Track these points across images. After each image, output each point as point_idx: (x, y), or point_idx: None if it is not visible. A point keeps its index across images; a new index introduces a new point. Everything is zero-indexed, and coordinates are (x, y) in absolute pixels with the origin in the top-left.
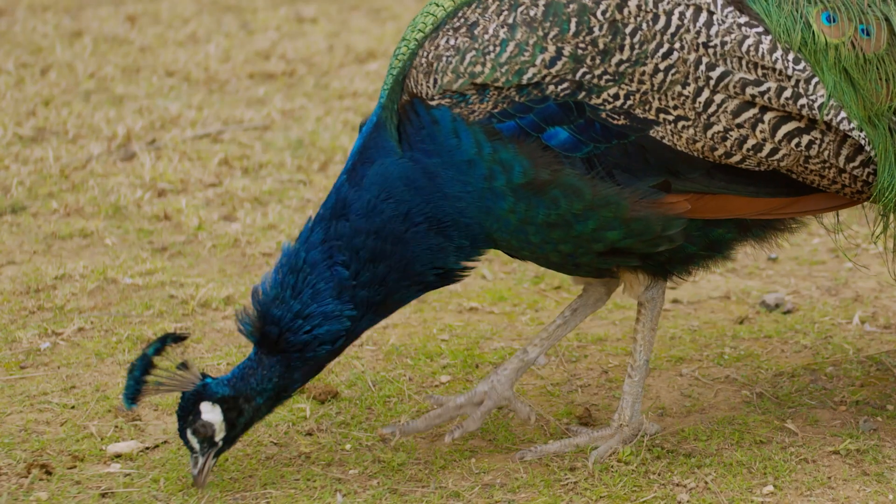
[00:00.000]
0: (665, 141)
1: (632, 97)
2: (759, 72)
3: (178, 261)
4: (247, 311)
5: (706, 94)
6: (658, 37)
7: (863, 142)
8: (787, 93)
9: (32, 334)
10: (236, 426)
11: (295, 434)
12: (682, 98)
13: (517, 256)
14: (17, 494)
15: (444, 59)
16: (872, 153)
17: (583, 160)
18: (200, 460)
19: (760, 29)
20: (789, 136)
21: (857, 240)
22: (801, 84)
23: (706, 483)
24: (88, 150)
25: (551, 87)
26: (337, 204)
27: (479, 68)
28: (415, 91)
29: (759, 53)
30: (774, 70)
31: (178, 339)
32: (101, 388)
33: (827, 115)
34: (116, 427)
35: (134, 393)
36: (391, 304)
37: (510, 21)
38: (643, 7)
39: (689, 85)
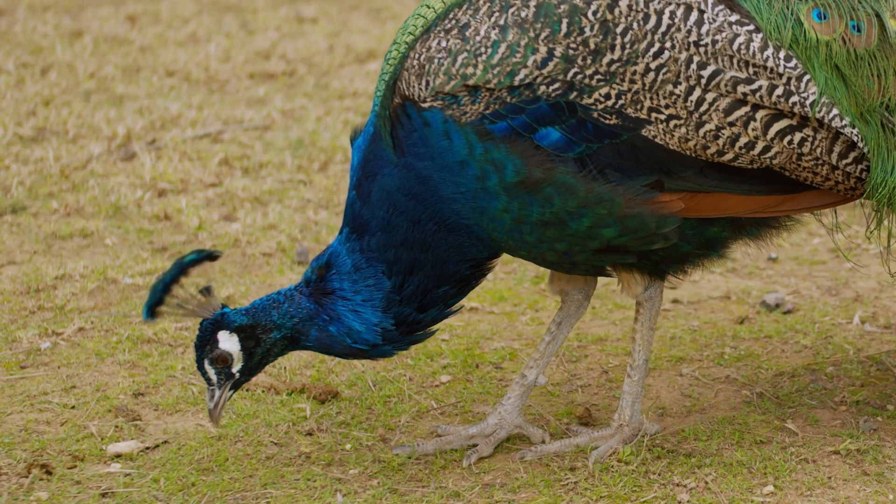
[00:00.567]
0: (657, 140)
1: (623, 97)
2: (751, 70)
3: None
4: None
5: (698, 92)
6: (649, 36)
7: (855, 138)
8: (779, 90)
9: (33, 334)
10: (253, 356)
11: (295, 434)
12: (674, 97)
13: (516, 256)
14: (17, 494)
15: (436, 60)
16: (865, 149)
17: (575, 160)
18: (217, 393)
19: (751, 27)
20: (781, 133)
21: (857, 240)
22: (793, 81)
23: (706, 483)
24: (89, 150)
25: (543, 88)
26: (356, 220)
27: (470, 70)
28: (406, 93)
29: (751, 51)
30: (766, 68)
31: (212, 256)
32: (102, 388)
33: (819, 112)
34: (116, 427)
35: (157, 302)
36: (427, 322)
37: (501, 22)
38: (634, 7)
39: (680, 84)
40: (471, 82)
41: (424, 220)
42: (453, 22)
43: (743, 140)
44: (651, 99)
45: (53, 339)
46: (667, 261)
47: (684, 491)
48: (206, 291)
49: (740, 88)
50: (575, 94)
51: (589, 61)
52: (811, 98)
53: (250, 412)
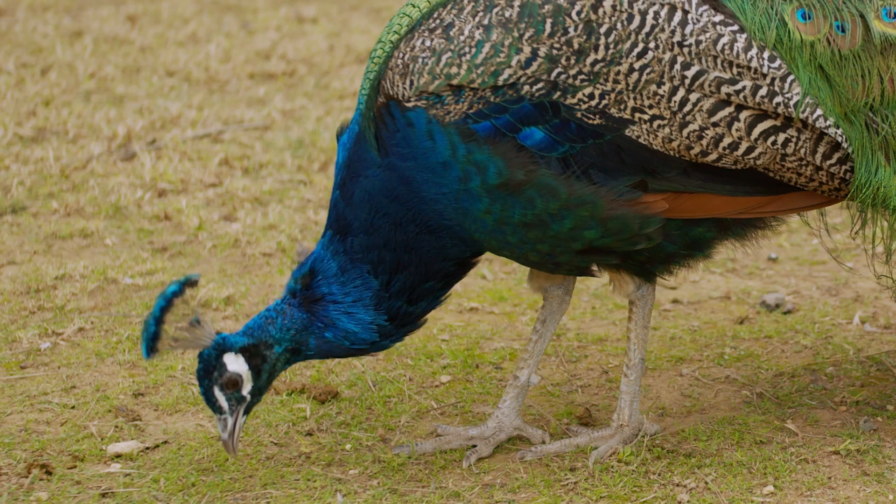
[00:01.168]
0: (641, 140)
1: (607, 97)
2: (735, 70)
3: (178, 261)
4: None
5: (681, 93)
6: (633, 36)
7: (839, 139)
8: (763, 91)
9: (33, 334)
10: (261, 374)
11: (295, 434)
12: (658, 97)
13: (500, 255)
14: (17, 494)
15: (420, 60)
16: (849, 150)
17: (558, 160)
18: (230, 420)
19: (735, 27)
20: (765, 134)
21: (856, 240)
22: (777, 82)
23: (706, 483)
24: (89, 150)
25: (526, 88)
26: (339, 222)
27: (454, 70)
28: (391, 93)
29: (734, 52)
30: (749, 68)
31: (192, 282)
32: (102, 388)
33: (803, 112)
34: (116, 427)
35: (153, 337)
36: (419, 314)
37: (486, 22)
38: (618, 7)
39: (664, 84)
40: (455, 82)
41: (406, 222)
42: (438, 21)
43: (727, 140)
44: (635, 99)
45: (53, 340)
46: (652, 261)
47: (684, 491)
48: (196, 323)
49: (724, 89)
50: (559, 93)
51: (573, 61)
52: (795, 98)
53: (250, 412)
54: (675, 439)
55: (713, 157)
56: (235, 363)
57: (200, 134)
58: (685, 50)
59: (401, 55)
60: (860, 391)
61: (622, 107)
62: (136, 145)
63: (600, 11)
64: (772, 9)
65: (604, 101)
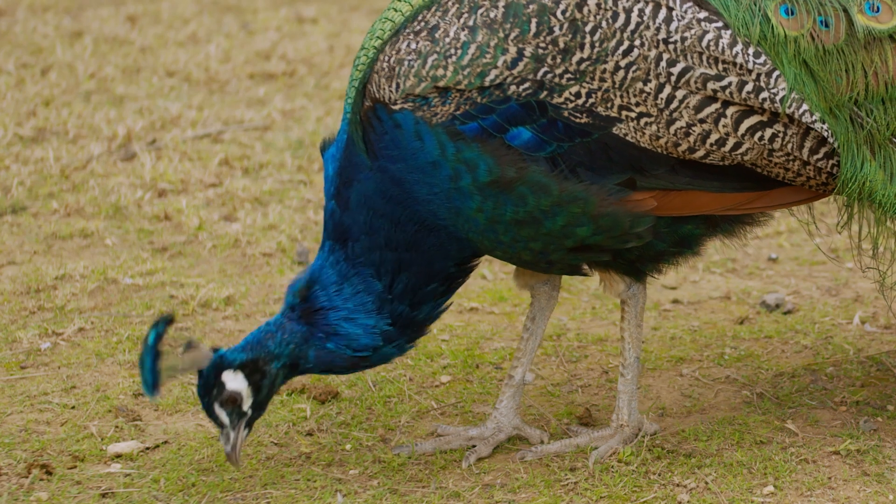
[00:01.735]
0: (628, 138)
1: (594, 95)
2: (720, 67)
3: (178, 261)
4: (300, 276)
5: (668, 90)
6: (618, 34)
7: (825, 133)
8: (749, 87)
9: (33, 334)
10: (261, 390)
11: (295, 434)
12: (644, 95)
13: (493, 255)
14: (17, 494)
15: (406, 63)
16: (835, 144)
17: (546, 159)
18: (232, 434)
19: (720, 24)
20: (752, 129)
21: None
22: (762, 78)
23: (706, 483)
24: (89, 151)
25: (513, 88)
26: (337, 230)
27: (441, 72)
28: (377, 96)
29: (720, 48)
30: (735, 64)
31: (169, 320)
32: (102, 388)
33: (789, 107)
34: (117, 427)
35: (153, 382)
36: (422, 321)
37: (471, 23)
38: (603, 5)
39: (650, 81)
40: (441, 84)
41: (404, 220)
42: (422, 24)
43: (714, 137)
44: (621, 97)
45: (53, 340)
46: (642, 259)
47: (684, 491)
48: (189, 346)
49: (710, 85)
50: (545, 93)
51: (559, 60)
52: (781, 94)
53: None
54: (675, 439)
55: (701, 153)
56: (234, 381)
57: (200, 134)
58: (670, 47)
59: (386, 58)
60: (860, 391)
61: (609, 105)
62: (136, 145)
63: (585, 10)
64: (755, 5)
65: (590, 100)
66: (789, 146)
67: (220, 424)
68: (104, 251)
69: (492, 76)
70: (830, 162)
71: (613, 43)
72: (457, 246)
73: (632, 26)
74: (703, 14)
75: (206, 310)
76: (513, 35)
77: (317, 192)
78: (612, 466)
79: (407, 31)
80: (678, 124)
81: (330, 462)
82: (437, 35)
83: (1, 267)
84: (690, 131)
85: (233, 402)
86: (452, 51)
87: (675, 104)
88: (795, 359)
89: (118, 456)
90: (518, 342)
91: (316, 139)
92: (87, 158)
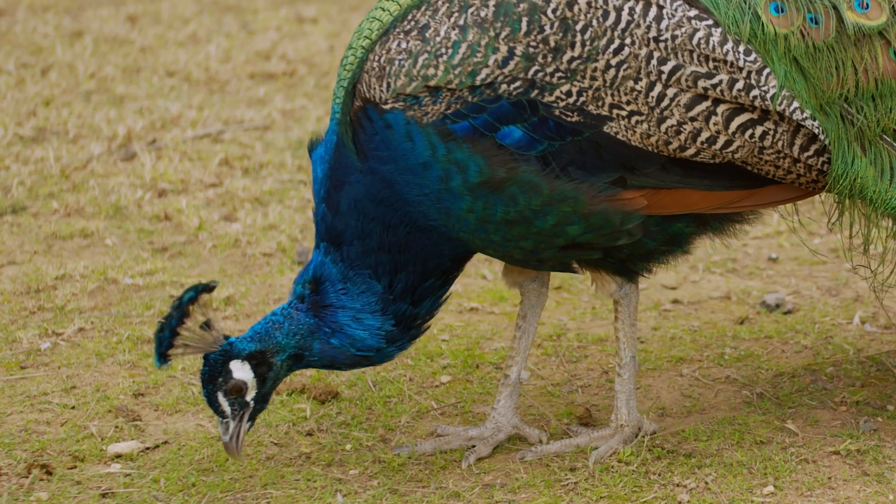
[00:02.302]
0: (619, 136)
1: (584, 94)
2: (711, 64)
3: (178, 261)
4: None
5: (658, 88)
6: (609, 33)
7: (816, 130)
8: (739, 84)
9: (33, 334)
10: (266, 382)
11: (295, 434)
12: (635, 93)
13: (485, 254)
14: (17, 494)
15: (397, 62)
16: (826, 141)
17: (538, 158)
18: (232, 424)
19: (710, 21)
20: (743, 127)
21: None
22: (753, 75)
23: (706, 483)
24: (89, 151)
25: (504, 87)
26: (330, 233)
27: (432, 71)
28: (367, 96)
29: (710, 46)
30: (726, 62)
31: (209, 288)
32: (102, 388)
33: (779, 105)
34: (117, 427)
35: (167, 347)
36: (424, 318)
37: (461, 22)
38: (593, 4)
39: (641, 80)
40: (432, 83)
41: (395, 223)
42: (412, 23)
43: (705, 135)
44: (612, 95)
45: (53, 340)
46: (632, 258)
47: (684, 491)
48: (207, 326)
49: (701, 83)
50: (536, 92)
51: (549, 59)
52: (771, 91)
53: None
54: (675, 439)
55: (691, 151)
56: (241, 371)
57: (200, 134)
58: (661, 45)
59: (376, 58)
60: (860, 391)
61: (600, 103)
62: (137, 145)
63: (575, 9)
64: (745, 2)
65: (581, 99)
66: (780, 143)
67: (221, 414)
68: (104, 251)
69: (483, 75)
70: (821, 159)
71: (604, 41)
72: (449, 245)
73: (622, 25)
74: (693, 12)
75: (206, 310)
76: (503, 34)
77: None
78: (612, 466)
79: (397, 30)
80: (669, 122)
81: (330, 462)
82: (427, 34)
83: (1, 267)
84: (681, 129)
85: (237, 391)
86: (443, 50)
87: (665, 102)
88: (795, 359)
89: (118, 456)
90: (511, 341)
91: None
92: (87, 158)
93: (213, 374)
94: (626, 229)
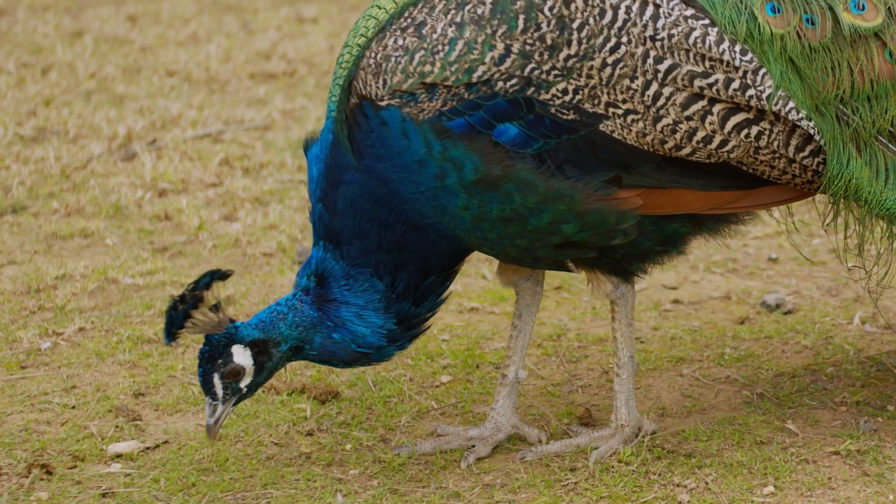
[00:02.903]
0: (615, 135)
1: (581, 92)
2: (707, 64)
3: (178, 261)
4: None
5: (655, 87)
6: (605, 31)
7: (811, 131)
8: (735, 84)
9: (33, 334)
10: (263, 371)
11: (295, 434)
12: (631, 92)
13: (481, 251)
14: (17, 494)
15: (393, 59)
16: (821, 142)
17: (533, 156)
18: (220, 408)
19: (706, 21)
20: (738, 127)
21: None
22: (749, 75)
23: (707, 483)
24: (89, 150)
25: (500, 84)
26: (329, 232)
27: (428, 68)
28: (363, 93)
29: (706, 45)
30: (722, 62)
31: (223, 276)
32: (102, 388)
33: (775, 105)
34: (117, 427)
35: (178, 326)
36: (425, 317)
37: (458, 20)
38: (590, 2)
39: (637, 78)
40: (428, 80)
41: (392, 222)
42: (409, 20)
43: (700, 134)
44: (608, 94)
45: (54, 339)
46: (628, 258)
47: (684, 491)
48: (216, 308)
49: (697, 82)
50: (532, 89)
51: (546, 57)
52: (767, 91)
53: (250, 412)
54: (675, 439)
55: (687, 150)
56: (242, 356)
57: (201, 134)
58: (658, 44)
59: (373, 55)
60: (860, 391)
61: (596, 102)
62: (137, 145)
63: (572, 7)
64: (741, 2)
65: (577, 97)
66: (775, 144)
67: (212, 395)
68: (104, 251)
69: (479, 72)
70: (816, 160)
71: (601, 40)
72: (447, 243)
73: (619, 23)
74: (689, 11)
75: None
76: (500, 31)
77: None
78: (613, 466)
79: (393, 27)
80: (665, 121)
81: (330, 462)
82: (424, 31)
83: (1, 267)
84: (677, 128)
85: (234, 375)
86: (440, 47)
87: (661, 101)
88: (796, 359)
89: (118, 456)
90: (507, 341)
91: None
92: (87, 158)
93: (214, 355)
94: (622, 229)
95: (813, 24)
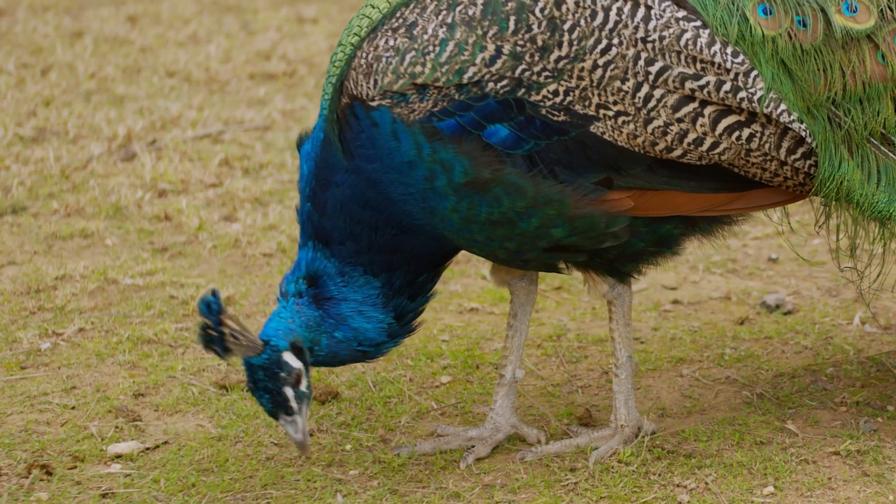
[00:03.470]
0: (606, 137)
1: (571, 93)
2: (698, 66)
3: (178, 261)
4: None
5: (646, 89)
6: (596, 33)
7: (803, 133)
8: (727, 86)
9: (33, 335)
10: (309, 371)
11: None
12: (622, 93)
13: (472, 253)
14: (17, 495)
15: (384, 59)
16: (813, 144)
17: (524, 158)
18: (300, 420)
19: (698, 23)
20: (730, 129)
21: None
22: (740, 77)
23: (706, 484)
24: (89, 151)
25: (491, 85)
26: (318, 232)
27: (419, 68)
28: (354, 93)
29: (698, 47)
30: (713, 64)
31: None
32: (102, 388)
33: (767, 107)
34: (117, 427)
35: (224, 349)
36: (417, 310)
37: (449, 20)
38: (581, 3)
39: (628, 80)
40: (419, 81)
41: (382, 224)
42: (400, 21)
43: (691, 136)
44: (599, 95)
45: (54, 340)
46: (621, 259)
47: (684, 492)
48: (237, 336)
49: (688, 84)
50: (523, 90)
51: (537, 58)
52: (759, 93)
53: (250, 412)
54: (675, 440)
55: (678, 152)
56: (294, 360)
57: (201, 134)
58: (649, 46)
59: (364, 55)
60: (860, 392)
61: (587, 103)
62: (137, 145)
63: (563, 8)
64: (733, 4)
65: (568, 98)
66: (767, 146)
67: (289, 411)
68: (104, 251)
69: (470, 73)
70: (808, 162)
71: (592, 41)
72: (437, 244)
73: (610, 25)
74: (681, 13)
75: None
76: (491, 32)
77: None
78: (613, 467)
79: (385, 27)
80: (656, 123)
81: (330, 462)
82: (415, 32)
83: (1, 267)
84: (668, 130)
85: (299, 380)
86: (431, 48)
87: (652, 103)
88: (795, 359)
89: (118, 456)
90: (504, 341)
91: None
92: (87, 158)
93: (275, 372)
94: (612, 232)
95: (805, 26)
